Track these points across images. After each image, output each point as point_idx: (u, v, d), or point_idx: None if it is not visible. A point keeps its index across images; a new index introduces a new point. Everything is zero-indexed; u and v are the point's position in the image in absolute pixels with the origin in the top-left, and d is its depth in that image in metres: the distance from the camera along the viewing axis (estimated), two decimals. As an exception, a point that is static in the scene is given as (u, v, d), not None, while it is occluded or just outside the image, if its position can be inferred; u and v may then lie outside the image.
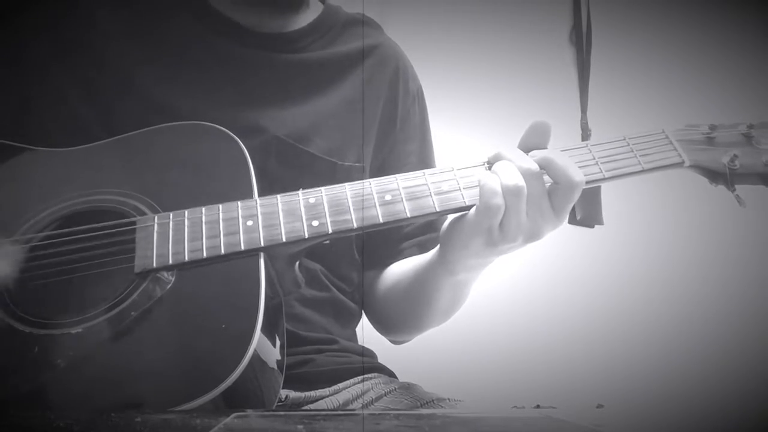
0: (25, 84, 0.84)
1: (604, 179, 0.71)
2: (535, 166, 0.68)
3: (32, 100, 0.83)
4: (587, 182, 0.71)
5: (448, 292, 0.83)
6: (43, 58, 0.84)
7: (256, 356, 0.59)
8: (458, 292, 0.85)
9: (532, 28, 2.34)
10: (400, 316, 0.95)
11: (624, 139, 0.74)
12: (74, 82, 0.84)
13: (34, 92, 0.84)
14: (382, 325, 0.98)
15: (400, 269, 0.92)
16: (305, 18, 0.94)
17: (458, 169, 0.70)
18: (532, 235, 0.69)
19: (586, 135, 2.31)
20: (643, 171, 0.72)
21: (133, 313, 0.61)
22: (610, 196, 0.71)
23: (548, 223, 0.69)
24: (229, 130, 0.74)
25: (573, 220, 2.72)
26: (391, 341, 1.00)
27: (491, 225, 0.67)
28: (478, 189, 0.68)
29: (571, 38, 2.39)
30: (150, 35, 0.87)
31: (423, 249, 0.95)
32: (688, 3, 2.36)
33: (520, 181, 0.66)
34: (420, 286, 0.85)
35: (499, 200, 0.66)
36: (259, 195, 0.69)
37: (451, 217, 0.73)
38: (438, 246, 0.78)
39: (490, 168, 0.71)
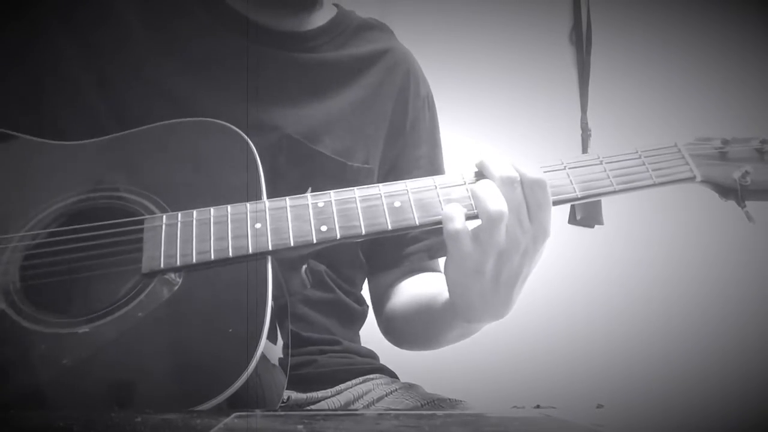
0: (38, 74, 0.84)
1: (615, 192, 0.70)
2: (515, 175, 0.66)
3: (45, 91, 0.83)
4: (599, 195, 0.71)
5: (461, 332, 0.83)
6: (57, 49, 0.84)
7: (261, 359, 0.58)
8: (471, 331, 0.84)
9: (532, 28, 2.34)
10: (410, 337, 0.95)
11: (636, 152, 0.73)
12: (88, 74, 0.83)
13: (47, 83, 0.83)
14: (392, 336, 0.98)
15: (413, 293, 0.92)
16: (319, 19, 0.94)
17: (469, 183, 0.69)
18: (511, 248, 0.67)
19: (586, 135, 2.31)
20: (654, 185, 0.72)
21: (139, 314, 0.61)
22: (611, 197, 0.71)
23: (526, 233, 0.67)
24: (240, 127, 0.74)
25: (573, 220, 2.73)
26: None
27: (463, 247, 0.66)
28: None
29: (571, 38, 2.39)
30: (165, 30, 0.86)
31: (432, 254, 0.95)
32: (688, 3, 2.36)
33: (502, 206, 0.65)
34: (433, 325, 0.85)
35: (457, 224, 0.65)
36: (268, 193, 0.69)
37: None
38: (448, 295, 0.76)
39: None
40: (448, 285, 0.73)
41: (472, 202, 0.67)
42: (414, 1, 2.24)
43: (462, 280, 0.70)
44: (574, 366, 2.12)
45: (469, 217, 0.67)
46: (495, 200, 0.65)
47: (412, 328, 0.92)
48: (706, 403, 2.04)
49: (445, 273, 0.71)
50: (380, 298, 0.97)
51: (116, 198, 0.69)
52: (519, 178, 0.66)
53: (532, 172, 0.67)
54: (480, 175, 0.69)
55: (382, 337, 0.99)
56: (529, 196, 0.66)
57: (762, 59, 2.28)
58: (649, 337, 2.18)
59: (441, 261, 0.97)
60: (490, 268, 0.67)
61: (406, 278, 0.95)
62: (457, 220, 0.65)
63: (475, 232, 0.66)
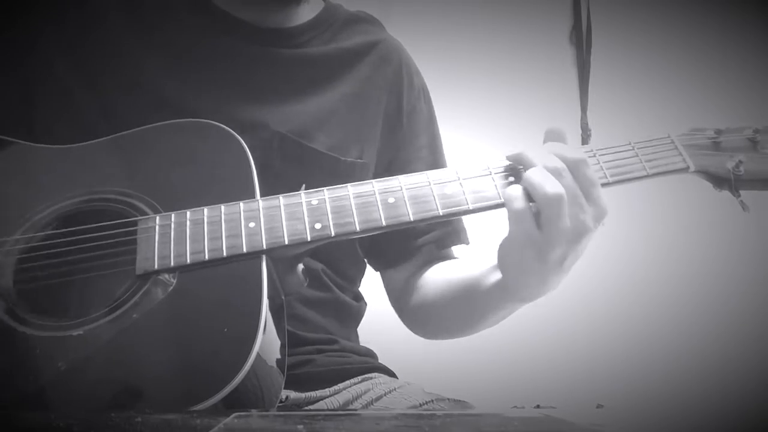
0: (29, 79, 0.84)
1: (608, 184, 0.70)
2: (560, 164, 0.66)
3: (36, 95, 0.83)
4: None
5: (508, 312, 0.82)
6: (49, 55, 0.84)
7: (257, 359, 0.58)
8: (516, 309, 0.83)
9: (532, 27, 2.34)
10: (448, 324, 0.93)
11: (629, 144, 0.73)
12: (80, 79, 0.83)
13: (39, 87, 0.83)
14: (424, 327, 0.97)
15: (447, 280, 0.91)
16: (306, 14, 0.94)
17: (464, 179, 0.69)
18: (579, 234, 0.66)
19: (586, 135, 2.31)
20: (647, 176, 0.72)
21: (134, 315, 0.61)
22: (610, 195, 0.70)
23: (588, 215, 0.66)
24: (232, 126, 0.73)
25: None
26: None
27: (527, 229, 0.66)
28: (482, 194, 0.68)
29: (571, 38, 2.39)
30: (154, 32, 0.87)
31: (440, 244, 0.95)
32: (689, 2, 2.36)
33: (560, 189, 0.64)
34: (478, 308, 0.83)
35: (520, 203, 0.65)
36: (262, 191, 0.69)
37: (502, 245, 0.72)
38: (499, 275, 0.76)
39: (502, 171, 0.69)
40: (502, 267, 0.72)
41: (467, 197, 0.67)
42: (414, 1, 2.24)
43: (522, 265, 0.69)
44: (574, 366, 2.12)
45: (464, 213, 0.68)
46: (552, 184, 0.64)
47: (451, 315, 0.90)
48: (705, 403, 2.04)
49: (502, 255, 0.71)
50: (401, 293, 0.97)
51: (110, 200, 0.69)
52: (565, 166, 0.66)
53: (573, 153, 0.67)
54: (510, 167, 0.70)
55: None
56: (578, 177, 0.66)
57: (759, 53, 2.28)
58: (649, 337, 2.18)
59: (453, 249, 0.98)
60: (556, 256, 0.67)
61: (424, 269, 0.95)
62: (519, 200, 0.65)
63: (539, 221, 0.66)
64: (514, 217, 0.66)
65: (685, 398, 2.07)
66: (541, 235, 0.66)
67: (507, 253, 0.71)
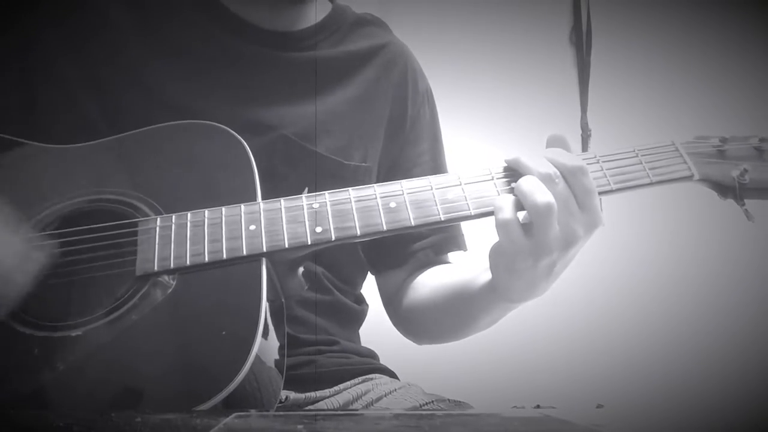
0: (32, 80, 0.84)
1: (611, 191, 0.70)
2: (553, 170, 0.66)
3: (39, 96, 0.83)
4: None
5: (498, 314, 0.82)
6: (51, 54, 0.84)
7: (256, 360, 0.58)
8: (507, 312, 0.83)
9: (532, 28, 2.34)
10: (438, 328, 0.93)
11: (633, 151, 0.73)
12: (82, 78, 0.83)
13: (41, 88, 0.83)
14: (414, 331, 0.97)
15: (439, 283, 0.91)
16: (314, 16, 0.94)
17: (466, 184, 0.69)
18: (568, 241, 0.67)
19: (586, 135, 2.31)
20: (651, 184, 0.71)
21: (133, 316, 0.61)
22: (610, 196, 0.70)
23: (579, 223, 0.67)
24: (236, 128, 0.73)
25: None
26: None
27: (514, 239, 0.66)
28: (484, 199, 0.68)
29: (571, 38, 2.39)
30: (159, 32, 0.86)
31: (437, 250, 0.95)
32: (689, 3, 2.36)
33: (549, 198, 0.64)
34: (468, 309, 0.83)
35: (507, 214, 0.65)
36: (265, 194, 0.69)
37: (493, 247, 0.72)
38: (489, 276, 0.76)
39: (504, 175, 0.69)
40: (492, 269, 0.72)
41: (468, 203, 0.67)
42: (414, 1, 2.24)
43: (511, 269, 0.69)
44: (574, 366, 2.12)
45: (466, 219, 0.68)
46: (542, 193, 0.64)
47: (442, 317, 0.90)
48: (706, 403, 2.04)
49: (492, 258, 0.71)
50: (394, 296, 0.97)
51: (111, 201, 0.69)
52: (558, 173, 0.66)
53: (571, 160, 0.67)
54: (509, 170, 0.69)
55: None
56: (574, 185, 0.66)
57: (762, 58, 2.28)
58: (649, 337, 2.18)
59: (449, 255, 0.98)
60: (546, 263, 0.67)
61: (418, 273, 0.95)
62: (506, 210, 0.65)
63: (528, 227, 0.66)
64: (500, 227, 0.66)
65: (685, 398, 2.07)
66: (529, 242, 0.66)
67: (497, 256, 0.71)
